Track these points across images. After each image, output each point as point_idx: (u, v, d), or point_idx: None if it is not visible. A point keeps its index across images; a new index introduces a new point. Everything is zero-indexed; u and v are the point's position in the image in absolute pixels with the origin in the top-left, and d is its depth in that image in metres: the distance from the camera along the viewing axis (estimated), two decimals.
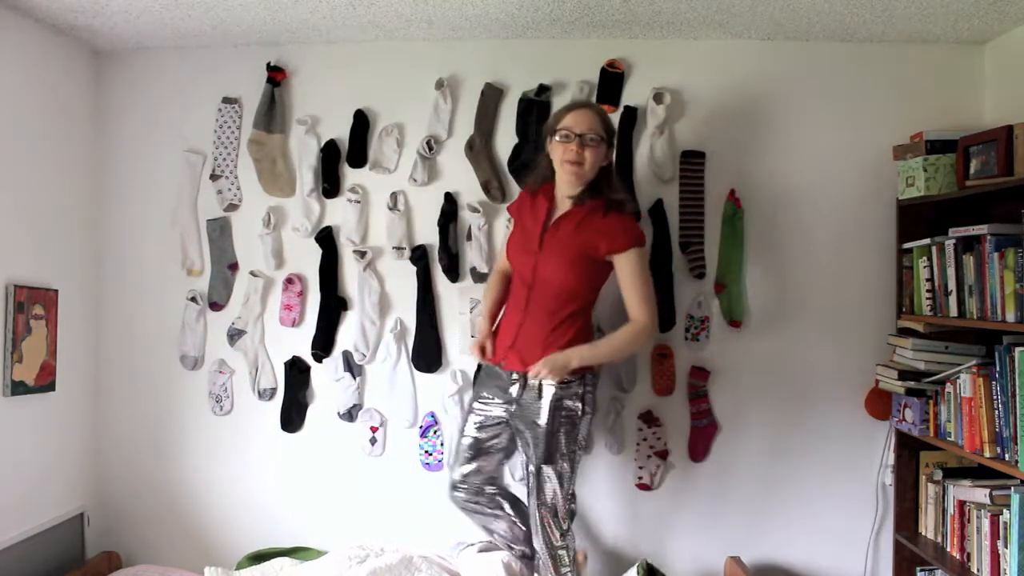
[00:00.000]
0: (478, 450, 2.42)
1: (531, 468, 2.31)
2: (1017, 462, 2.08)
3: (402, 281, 2.83)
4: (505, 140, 2.81)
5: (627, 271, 2.23)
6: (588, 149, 2.20)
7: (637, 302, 2.24)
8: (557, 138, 2.23)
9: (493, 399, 2.38)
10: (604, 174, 2.29)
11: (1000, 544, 2.25)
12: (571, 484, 2.32)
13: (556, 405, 2.24)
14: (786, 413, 2.81)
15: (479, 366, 2.44)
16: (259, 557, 2.72)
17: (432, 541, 2.74)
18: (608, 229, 2.23)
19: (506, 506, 2.48)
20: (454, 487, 2.45)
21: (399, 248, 2.80)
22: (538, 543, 2.33)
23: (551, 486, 2.28)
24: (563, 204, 2.30)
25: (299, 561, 2.69)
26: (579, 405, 2.27)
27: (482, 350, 2.39)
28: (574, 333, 2.27)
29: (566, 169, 2.22)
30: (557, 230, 2.27)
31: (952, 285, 2.40)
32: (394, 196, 2.81)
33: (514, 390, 2.31)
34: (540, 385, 2.25)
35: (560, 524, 2.30)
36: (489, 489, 2.46)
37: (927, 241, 2.52)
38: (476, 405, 2.43)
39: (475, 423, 2.42)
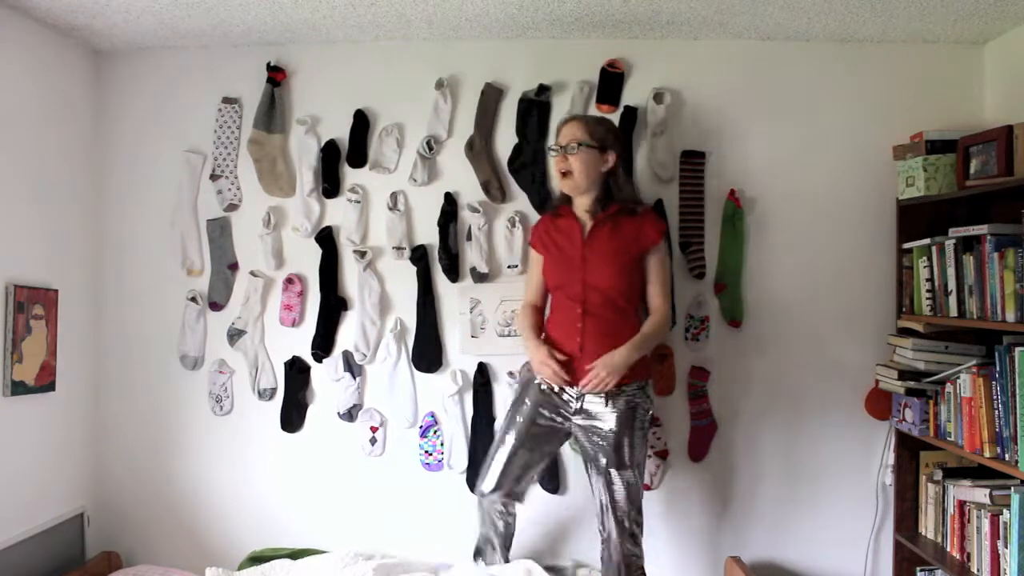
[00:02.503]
0: (521, 459, 2.40)
1: (600, 477, 2.31)
2: (1017, 462, 2.08)
3: (402, 281, 2.83)
4: (505, 140, 2.81)
5: (655, 265, 2.40)
6: (572, 157, 2.33)
7: (661, 294, 2.41)
8: (550, 155, 2.36)
9: (549, 413, 2.37)
10: (609, 179, 2.38)
11: (1000, 544, 2.25)
12: (641, 484, 2.36)
13: (630, 408, 2.31)
14: (786, 413, 2.81)
15: (535, 384, 2.40)
16: (261, 558, 2.71)
17: (430, 544, 2.75)
18: (641, 229, 2.37)
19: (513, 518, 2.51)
20: (499, 492, 2.42)
21: (399, 248, 2.80)
22: (611, 550, 2.33)
23: (623, 491, 2.30)
24: (585, 218, 2.40)
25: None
26: (649, 405, 2.37)
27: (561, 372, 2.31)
28: (637, 327, 2.35)
29: (559, 181, 2.38)
30: (594, 241, 2.36)
31: (952, 285, 2.40)
32: (394, 196, 2.81)
33: (584, 401, 2.31)
34: (609, 391, 2.28)
35: (635, 528, 2.32)
36: (511, 505, 2.47)
37: (927, 241, 2.52)
38: (533, 418, 2.37)
39: (522, 433, 2.38)
